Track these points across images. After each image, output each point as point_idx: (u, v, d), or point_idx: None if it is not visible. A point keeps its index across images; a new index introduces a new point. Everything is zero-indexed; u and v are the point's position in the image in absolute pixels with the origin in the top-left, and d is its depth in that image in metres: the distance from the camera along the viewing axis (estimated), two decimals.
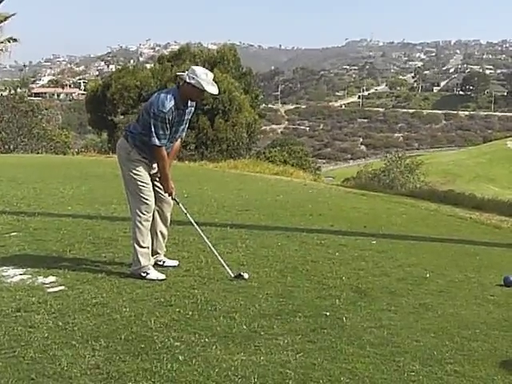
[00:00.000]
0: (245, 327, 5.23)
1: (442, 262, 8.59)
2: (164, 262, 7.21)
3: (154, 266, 6.89)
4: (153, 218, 6.89)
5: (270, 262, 7.78)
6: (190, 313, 5.55)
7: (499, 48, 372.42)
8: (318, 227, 10.60)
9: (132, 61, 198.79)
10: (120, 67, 65.40)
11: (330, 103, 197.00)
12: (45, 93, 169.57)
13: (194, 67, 6.72)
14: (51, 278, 6.50)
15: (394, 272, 7.69)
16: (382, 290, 6.75)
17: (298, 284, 6.77)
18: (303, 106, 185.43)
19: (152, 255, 6.95)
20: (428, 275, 7.58)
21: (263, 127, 77.67)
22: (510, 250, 10.24)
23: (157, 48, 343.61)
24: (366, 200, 16.16)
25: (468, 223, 13.24)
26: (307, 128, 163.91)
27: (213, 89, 6.61)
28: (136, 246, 6.72)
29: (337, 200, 15.46)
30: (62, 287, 6.21)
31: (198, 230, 7.22)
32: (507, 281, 7.46)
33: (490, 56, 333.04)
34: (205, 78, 6.51)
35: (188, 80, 6.48)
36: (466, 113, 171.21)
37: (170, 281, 6.60)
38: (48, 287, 6.21)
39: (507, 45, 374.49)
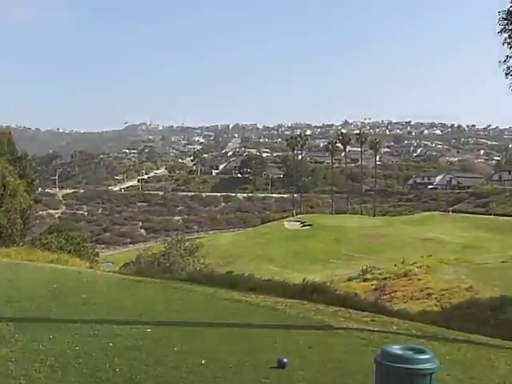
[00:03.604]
0: None
1: (217, 347, 8.74)
2: None
3: None
4: None
5: (41, 356, 7.51)
6: None
7: (275, 132, 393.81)
8: (92, 317, 10.42)
9: None
10: None
11: (109, 187, 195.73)
12: None
13: None
14: None
15: (169, 360, 7.71)
16: (156, 380, 6.76)
17: (70, 379, 6.59)
18: (82, 191, 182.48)
19: None
20: (203, 361, 7.69)
21: (40, 212, 75.75)
22: (284, 331, 10.66)
23: None
24: (142, 287, 16.10)
25: (244, 306, 13.58)
26: (86, 213, 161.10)
27: None
28: None
29: (112, 288, 15.31)
30: None
31: None
32: (280, 363, 7.74)
33: (267, 140, 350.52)
34: None
35: None
36: (245, 195, 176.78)
37: None
38: None
39: (282, 129, 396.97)
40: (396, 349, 5.42)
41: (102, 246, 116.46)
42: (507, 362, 9.56)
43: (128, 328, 9.69)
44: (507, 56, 18.82)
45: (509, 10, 18.51)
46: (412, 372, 5.15)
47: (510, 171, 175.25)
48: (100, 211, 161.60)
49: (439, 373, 5.55)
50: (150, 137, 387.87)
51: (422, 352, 5.39)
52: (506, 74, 18.91)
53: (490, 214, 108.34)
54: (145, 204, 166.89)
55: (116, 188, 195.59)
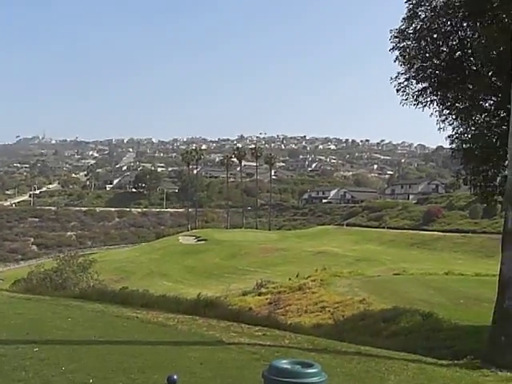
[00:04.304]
0: None
1: (106, 365, 8.58)
2: None
3: None
4: None
5: None
6: None
7: (170, 146, 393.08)
8: None
9: None
10: None
11: (0, 202, 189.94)
12: None
13: None
14: None
15: (56, 380, 7.53)
16: None
17: None
18: None
19: None
20: (91, 381, 7.55)
21: None
22: (175, 347, 10.57)
23: None
24: (31, 305, 15.66)
25: (135, 323, 13.39)
26: None
27: None
28: None
29: None
30: None
31: None
32: (170, 380, 7.64)
33: (162, 154, 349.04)
34: None
35: None
36: (139, 210, 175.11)
37: None
38: None
39: (178, 143, 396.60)
40: (283, 363, 5.45)
41: None
42: (397, 373, 9.79)
43: (14, 348, 9.40)
44: (398, 73, 19.57)
45: (400, 28, 19.26)
46: None
47: (403, 185, 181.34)
48: None
49: None
50: (43, 151, 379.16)
51: (309, 366, 5.43)
52: (397, 91, 19.63)
53: (384, 228, 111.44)
54: (37, 219, 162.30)
55: (7, 203, 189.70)
